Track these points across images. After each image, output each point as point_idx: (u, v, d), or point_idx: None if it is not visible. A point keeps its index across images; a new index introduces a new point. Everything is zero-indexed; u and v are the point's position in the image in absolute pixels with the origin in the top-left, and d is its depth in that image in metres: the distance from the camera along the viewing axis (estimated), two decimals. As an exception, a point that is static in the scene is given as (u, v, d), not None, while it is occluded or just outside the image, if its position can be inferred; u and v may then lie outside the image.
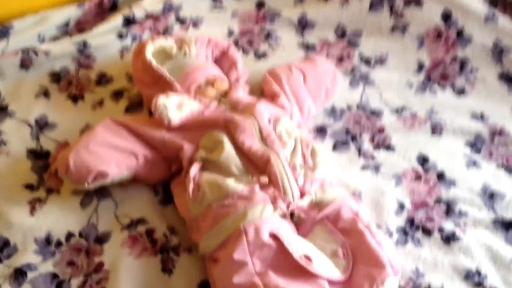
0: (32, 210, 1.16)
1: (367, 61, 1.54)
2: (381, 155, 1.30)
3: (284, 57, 1.53)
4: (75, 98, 1.42)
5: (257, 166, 1.11)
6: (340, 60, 1.54)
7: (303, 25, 1.62)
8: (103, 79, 1.46)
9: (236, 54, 1.43)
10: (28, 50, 1.45)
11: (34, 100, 1.40)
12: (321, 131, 1.37)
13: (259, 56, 1.55)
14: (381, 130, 1.36)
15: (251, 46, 1.58)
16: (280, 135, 1.16)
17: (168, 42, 1.36)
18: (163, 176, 1.21)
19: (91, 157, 1.13)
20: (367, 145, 1.33)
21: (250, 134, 1.15)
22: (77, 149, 1.14)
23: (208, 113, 1.22)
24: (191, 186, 1.09)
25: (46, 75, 1.45)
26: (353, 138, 1.35)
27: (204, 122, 1.19)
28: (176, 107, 1.20)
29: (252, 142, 1.13)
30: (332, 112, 1.41)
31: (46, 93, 1.42)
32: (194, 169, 1.11)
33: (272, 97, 1.31)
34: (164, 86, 1.28)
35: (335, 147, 1.33)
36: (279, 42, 1.58)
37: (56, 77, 1.45)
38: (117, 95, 1.42)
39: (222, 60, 1.43)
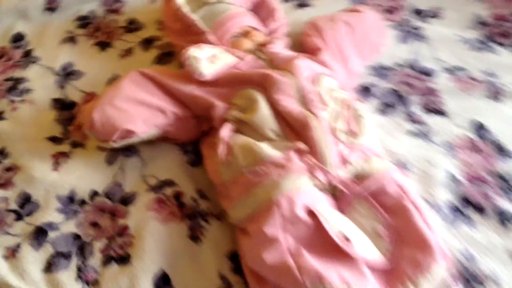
0: (56, 165, 1.10)
1: (418, 14, 1.39)
2: (431, 120, 1.17)
3: (328, 7, 1.40)
4: (102, 45, 1.33)
5: (294, 129, 1.01)
6: (389, 11, 1.40)
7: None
8: (132, 25, 1.37)
9: (275, 1, 1.30)
10: (54, -10, 1.36)
11: (59, 46, 1.32)
12: (365, 91, 1.24)
13: (301, 4, 1.42)
14: (433, 92, 1.23)
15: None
16: (321, 95, 1.05)
17: (201, -13, 1.25)
18: (193, 135, 1.12)
19: (116, 114, 1.05)
20: (416, 109, 1.20)
21: (287, 93, 1.04)
22: (102, 105, 1.06)
23: (243, 67, 1.11)
24: (221, 149, 1.00)
25: (72, 19, 1.37)
26: (401, 100, 1.23)
27: (238, 78, 1.09)
28: (209, 59, 1.09)
29: (289, 102, 1.03)
30: (378, 70, 1.28)
31: (72, 39, 1.33)
32: (226, 130, 1.02)
33: (313, 52, 1.19)
34: (196, 35, 1.18)
35: (380, 109, 1.21)
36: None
37: (83, 21, 1.37)
38: (147, 43, 1.33)
39: (260, 8, 1.31)
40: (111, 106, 1.06)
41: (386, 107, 1.21)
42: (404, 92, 1.23)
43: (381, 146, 1.09)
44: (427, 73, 1.27)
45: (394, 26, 1.36)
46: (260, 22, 1.27)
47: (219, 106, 1.06)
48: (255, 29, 1.22)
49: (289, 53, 1.18)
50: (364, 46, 1.24)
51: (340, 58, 1.19)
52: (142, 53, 1.31)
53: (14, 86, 1.23)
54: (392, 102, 1.22)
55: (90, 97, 1.19)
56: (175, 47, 1.25)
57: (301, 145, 0.97)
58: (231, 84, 1.09)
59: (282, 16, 1.29)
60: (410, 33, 1.35)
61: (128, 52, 1.31)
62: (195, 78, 1.07)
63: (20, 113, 1.19)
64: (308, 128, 0.99)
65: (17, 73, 1.26)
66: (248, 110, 1.04)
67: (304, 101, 1.03)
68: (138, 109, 1.06)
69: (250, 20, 1.23)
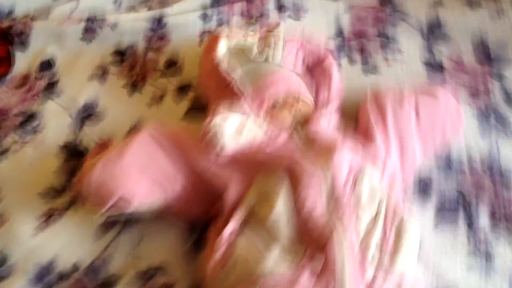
0: (44, 224, 0.97)
1: (510, 100, 1.14)
2: (500, 242, 0.94)
3: (399, 75, 1.18)
4: (133, 88, 1.19)
5: (315, 238, 0.82)
6: (473, 94, 1.15)
7: (434, 36, 1.24)
8: (170, 68, 1.21)
9: (333, 67, 1.11)
10: (94, 18, 1.24)
11: (87, 81, 1.19)
12: (423, 187, 1.02)
13: (368, 69, 1.20)
14: (510, 205, 0.99)
15: (362, 54, 1.23)
16: (359, 197, 0.86)
17: (248, 41, 1.07)
18: (202, 214, 0.96)
19: (116, 178, 0.90)
20: (484, 222, 0.97)
21: (316, 191, 0.85)
22: (103, 165, 0.91)
23: (273, 147, 0.93)
24: (221, 248, 0.83)
25: (109, 52, 1.24)
26: (466, 207, 0.99)
27: (264, 160, 0.91)
28: (235, 131, 0.92)
29: (316, 203, 0.84)
30: (445, 163, 1.05)
31: (103, 76, 1.20)
32: (231, 226, 0.85)
33: (366, 135, 0.99)
34: (231, 95, 1.01)
35: (436, 217, 0.98)
36: (398, 55, 1.22)
37: (119, 56, 1.23)
38: (182, 90, 1.18)
39: (314, 72, 1.12)
40: (112, 168, 0.91)
41: (446, 213, 0.98)
42: (472, 197, 1.00)
43: (430, 265, 0.89)
44: (507, 177, 1.02)
45: (475, 112, 1.12)
46: (311, 88, 1.08)
47: (234, 190, 0.89)
48: (302, 97, 1.03)
49: (334, 134, 0.98)
50: (432, 138, 1.02)
51: (397, 149, 0.98)
52: (173, 103, 1.16)
53: (26, 122, 1.12)
54: (455, 207, 0.99)
55: (101, 148, 1.05)
56: (207, 104, 1.08)
57: (316, 265, 0.77)
58: (254, 165, 0.91)
59: (337, 85, 1.09)
60: (494, 123, 1.10)
61: (158, 100, 1.16)
62: (214, 151, 0.90)
63: (24, 155, 1.07)
64: (330, 242, 0.79)
65: (34, 107, 1.15)
66: (264, 205, 0.86)
67: (335, 206, 0.84)
68: (142, 176, 0.92)
69: (298, 88, 1.05)
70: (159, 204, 0.93)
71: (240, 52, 1.07)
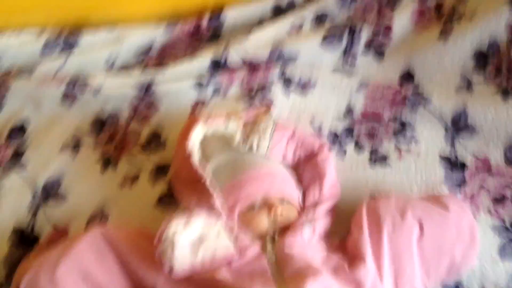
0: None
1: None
2: None
3: (411, 171, 1.01)
4: (107, 163, 1.06)
5: None
6: (498, 200, 0.97)
7: (458, 127, 1.06)
8: (152, 143, 1.08)
9: (328, 163, 0.95)
10: (76, 81, 1.13)
11: (57, 152, 1.08)
12: None
13: (376, 160, 1.03)
14: None
15: (371, 140, 1.07)
16: None
17: (229, 128, 0.93)
18: None
19: None
20: None
21: None
22: (38, 271, 0.79)
23: (240, 263, 0.78)
24: None
25: (88, 121, 1.12)
26: None
27: (224, 283, 0.76)
28: (192, 244, 0.78)
29: None
30: (453, 293, 0.86)
31: (76, 147, 1.09)
32: None
33: (355, 250, 0.82)
34: (201, 193, 0.86)
35: None
36: (413, 145, 1.05)
37: (98, 125, 1.11)
38: (161, 171, 1.04)
39: (305, 167, 0.96)
40: (49, 275, 0.78)
41: None
42: None
43: None
44: None
45: (497, 228, 0.93)
46: (301, 186, 0.93)
47: None
48: (285, 201, 0.88)
49: (312, 255, 0.81)
50: (437, 262, 0.83)
51: (391, 272, 0.81)
52: (148, 185, 1.02)
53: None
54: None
55: (52, 238, 0.93)
56: (176, 196, 0.94)
57: None
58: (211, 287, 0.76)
59: (332, 184, 0.93)
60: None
61: (131, 181, 1.03)
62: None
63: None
64: None
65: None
66: None
67: None
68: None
69: (283, 187, 0.90)
70: None
71: (222, 138, 0.93)
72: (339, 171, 0.99)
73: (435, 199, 0.90)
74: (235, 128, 0.93)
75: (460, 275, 0.86)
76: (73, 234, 0.94)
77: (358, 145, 1.06)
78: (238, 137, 0.92)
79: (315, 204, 0.90)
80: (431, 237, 0.83)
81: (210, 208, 0.84)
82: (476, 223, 0.88)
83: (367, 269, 0.79)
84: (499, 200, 0.96)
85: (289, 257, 0.78)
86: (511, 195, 0.96)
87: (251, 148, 0.92)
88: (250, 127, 0.94)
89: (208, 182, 0.85)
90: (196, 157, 0.89)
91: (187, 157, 0.88)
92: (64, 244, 0.84)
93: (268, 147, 0.93)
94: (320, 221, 0.88)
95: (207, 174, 0.86)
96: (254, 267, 0.78)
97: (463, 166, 1.01)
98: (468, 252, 0.85)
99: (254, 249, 0.80)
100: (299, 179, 0.95)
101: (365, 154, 1.04)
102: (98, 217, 0.97)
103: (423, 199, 0.90)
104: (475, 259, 0.86)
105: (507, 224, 0.93)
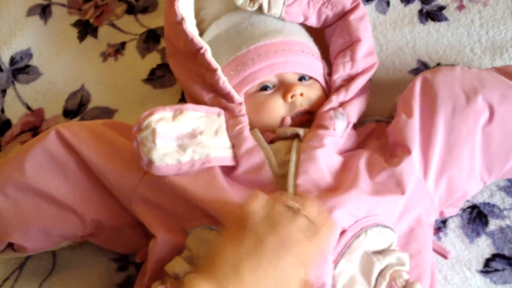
0: None
1: None
2: None
3: (476, 26, 0.79)
4: (84, 30, 0.88)
5: None
6: None
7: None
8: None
9: (364, 22, 0.72)
10: None
11: (23, 17, 0.90)
12: (475, 218, 0.69)
13: (430, 14, 0.81)
14: None
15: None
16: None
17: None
18: (132, 248, 0.69)
19: (4, 211, 0.64)
20: None
21: None
22: None
23: (238, 174, 0.62)
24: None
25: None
26: None
27: (211, 205, 0.59)
28: (180, 138, 0.61)
29: None
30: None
31: (44, 10, 0.90)
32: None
33: (397, 143, 0.64)
34: (202, 68, 0.68)
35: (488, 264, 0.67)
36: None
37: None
38: (152, 39, 0.86)
39: (334, 30, 0.74)
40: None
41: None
42: None
43: None
44: None
45: None
46: (324, 56, 0.73)
47: (163, 241, 0.60)
48: (307, 77, 0.69)
49: (338, 158, 0.63)
50: (505, 157, 0.65)
51: (443, 169, 0.63)
52: (136, 56, 0.85)
53: None
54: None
55: (29, 123, 0.78)
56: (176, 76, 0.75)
57: None
58: (194, 209, 0.60)
59: (369, 50, 0.72)
60: None
61: (116, 51, 0.85)
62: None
63: None
64: None
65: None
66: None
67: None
68: (40, 207, 0.65)
69: (303, 59, 0.69)
70: (67, 243, 0.68)
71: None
72: (380, 31, 0.81)
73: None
74: (237, -19, 0.69)
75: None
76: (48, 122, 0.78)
77: (405, -6, 0.85)
78: (241, -3, 0.69)
79: (348, 79, 0.70)
80: (503, 125, 0.64)
81: (215, 86, 0.66)
82: None
83: (412, 163, 0.61)
84: None
85: (312, 163, 0.60)
86: None
87: (260, 7, 0.70)
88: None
89: (206, 55, 0.66)
90: (190, 21, 0.70)
91: (179, 23, 0.67)
92: (14, 155, 0.68)
93: (284, 4, 0.70)
94: (355, 102, 0.69)
95: (203, 47, 0.66)
96: (255, 176, 0.61)
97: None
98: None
99: (258, 155, 0.62)
100: (327, 46, 0.74)
101: (415, 5, 0.83)
102: (78, 95, 0.83)
103: (499, 71, 0.69)
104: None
105: None
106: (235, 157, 0.62)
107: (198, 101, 0.67)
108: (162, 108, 0.61)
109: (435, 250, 0.63)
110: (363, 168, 0.62)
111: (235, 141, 0.63)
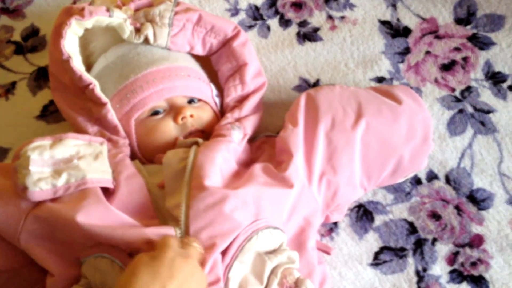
0: None
1: (495, 82, 0.83)
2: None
3: (348, 43, 0.87)
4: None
5: None
6: (446, 66, 0.84)
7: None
8: (29, 40, 0.88)
9: (247, 48, 0.78)
10: None
11: None
12: (362, 216, 0.76)
13: (307, 35, 0.88)
14: (476, 242, 0.74)
15: (298, 12, 0.90)
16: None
17: (115, 16, 0.71)
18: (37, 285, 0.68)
19: None
20: (441, 270, 0.73)
21: None
22: None
23: (118, 199, 0.63)
24: None
25: None
26: (420, 242, 0.74)
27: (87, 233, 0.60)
28: (56, 163, 0.62)
29: None
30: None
31: None
32: None
33: (283, 150, 0.69)
34: (92, 102, 0.70)
35: (377, 257, 0.74)
36: (349, 12, 0.89)
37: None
38: (42, 77, 0.86)
39: (219, 57, 0.79)
40: None
41: (387, 253, 0.75)
42: (426, 233, 0.75)
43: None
44: (480, 202, 0.76)
45: (445, 99, 0.81)
46: (218, 79, 0.79)
47: (57, 275, 0.61)
48: (196, 99, 0.73)
49: (234, 165, 0.68)
50: (383, 161, 0.72)
51: (325, 175, 0.69)
52: (27, 95, 0.85)
53: None
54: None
55: None
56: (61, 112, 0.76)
57: None
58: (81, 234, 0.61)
59: (256, 74, 0.78)
60: (469, 117, 0.80)
61: (7, 92, 0.85)
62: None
63: None
64: None
65: None
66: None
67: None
68: None
69: (190, 83, 0.73)
70: None
71: (110, 30, 0.74)
72: (263, 53, 0.87)
73: (387, 90, 0.76)
74: (123, 15, 0.72)
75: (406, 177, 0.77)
76: None
77: (283, 19, 0.90)
78: (128, 27, 0.72)
79: (240, 100, 0.76)
80: (378, 134, 0.71)
81: (103, 119, 0.68)
82: (431, 120, 0.77)
83: (296, 167, 0.67)
84: (447, 66, 0.84)
85: (208, 161, 0.64)
86: (462, 59, 0.83)
87: (146, 39, 0.73)
88: (144, 13, 0.73)
89: (96, 89, 0.68)
90: (77, 58, 0.71)
91: (66, 61, 0.68)
92: None
93: (168, 35, 0.73)
94: (250, 118, 0.74)
95: (92, 82, 0.68)
96: (135, 200, 0.63)
97: (406, 31, 0.87)
98: (419, 153, 0.74)
99: (136, 180, 0.65)
100: (215, 71, 0.79)
101: (293, 28, 0.89)
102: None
103: (372, 90, 0.77)
104: (426, 161, 0.76)
105: (457, 93, 0.81)
106: (115, 181, 0.64)
107: (82, 133, 0.68)
108: (42, 138, 0.63)
109: (318, 248, 0.69)
110: (259, 171, 0.67)
111: (115, 168, 0.65)
